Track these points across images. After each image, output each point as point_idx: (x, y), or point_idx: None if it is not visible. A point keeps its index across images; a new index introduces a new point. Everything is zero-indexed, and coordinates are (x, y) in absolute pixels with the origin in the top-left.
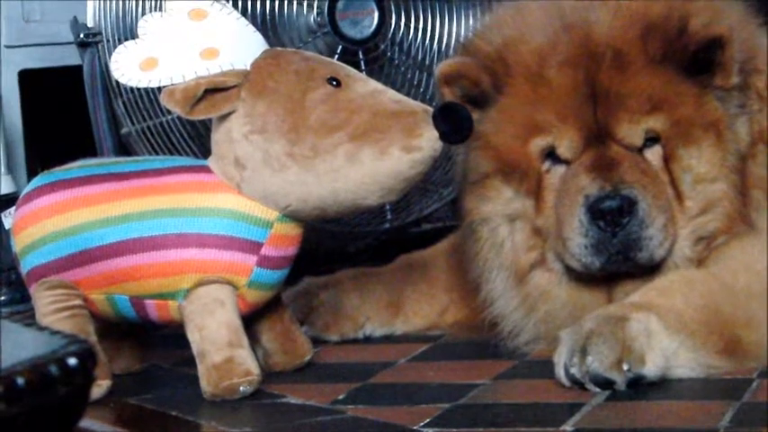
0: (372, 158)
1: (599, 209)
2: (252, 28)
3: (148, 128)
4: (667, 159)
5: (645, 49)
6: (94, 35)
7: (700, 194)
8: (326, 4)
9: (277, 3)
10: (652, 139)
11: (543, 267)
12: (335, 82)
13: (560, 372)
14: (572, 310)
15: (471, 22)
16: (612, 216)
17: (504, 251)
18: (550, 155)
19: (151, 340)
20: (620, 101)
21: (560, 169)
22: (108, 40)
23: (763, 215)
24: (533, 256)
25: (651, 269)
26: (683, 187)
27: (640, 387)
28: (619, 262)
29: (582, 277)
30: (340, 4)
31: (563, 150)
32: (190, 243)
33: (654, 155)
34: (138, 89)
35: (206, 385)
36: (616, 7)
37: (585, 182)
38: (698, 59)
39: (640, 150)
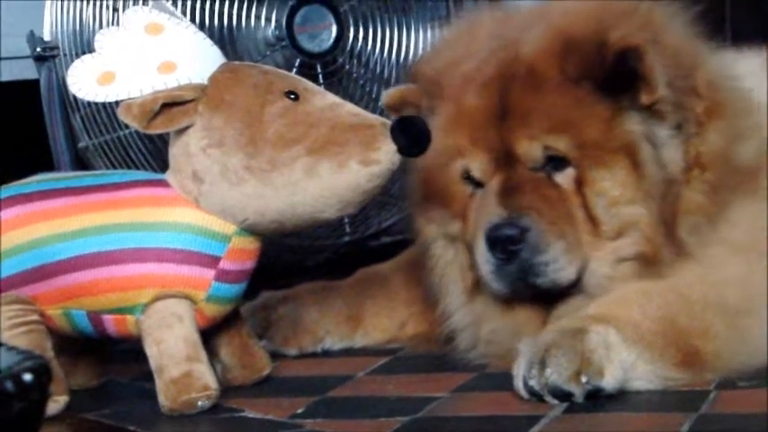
0: (330, 172)
1: (492, 237)
2: (209, 42)
3: (106, 142)
4: (580, 183)
5: (561, 67)
6: (51, 49)
7: (614, 218)
8: (284, 18)
9: (235, 16)
10: (561, 162)
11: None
12: (293, 95)
13: (519, 384)
14: (511, 332)
15: (429, 34)
16: (505, 244)
17: (457, 268)
18: (470, 178)
19: (109, 355)
20: (522, 119)
21: (480, 192)
22: (65, 55)
23: (703, 240)
24: (473, 275)
25: (574, 290)
26: (597, 211)
27: (598, 399)
28: (523, 287)
29: (517, 299)
30: (298, 18)
31: (476, 173)
32: (148, 257)
33: (565, 178)
34: (96, 103)
35: (164, 400)
36: (549, 24)
37: (489, 208)
38: (617, 74)
39: (550, 173)
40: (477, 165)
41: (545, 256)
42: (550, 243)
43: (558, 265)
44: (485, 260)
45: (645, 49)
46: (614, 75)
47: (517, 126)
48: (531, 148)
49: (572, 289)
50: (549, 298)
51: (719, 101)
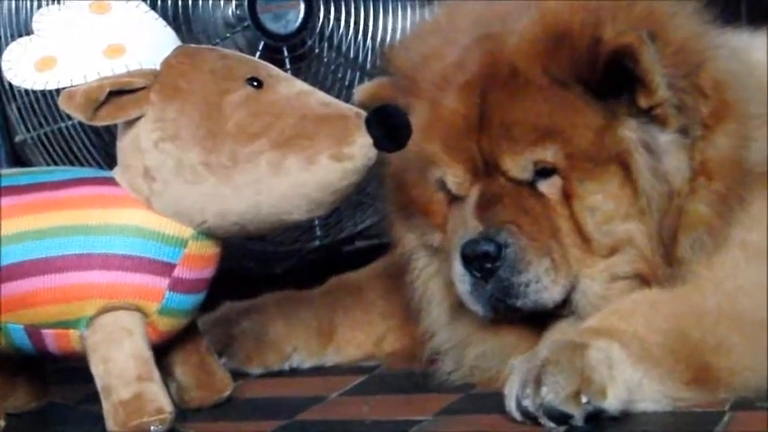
0: (298, 168)
1: (468, 254)
2: (162, 22)
3: (46, 135)
4: (568, 195)
5: (547, 68)
6: None
7: (607, 235)
8: None
9: None
10: (547, 171)
11: None
12: (256, 83)
13: (511, 404)
14: (499, 356)
15: (408, 15)
16: (481, 261)
17: (439, 283)
18: (447, 189)
19: (50, 375)
20: (504, 129)
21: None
22: None
23: (704, 256)
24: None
25: (565, 311)
26: (588, 227)
27: (600, 422)
28: (503, 309)
29: (503, 320)
30: None
31: (451, 186)
32: (93, 264)
33: (550, 187)
34: (34, 92)
35: (112, 424)
36: (537, 15)
37: (465, 221)
38: (611, 75)
39: (534, 182)
40: (453, 178)
41: (525, 276)
42: (531, 261)
43: (540, 286)
44: (461, 279)
45: (641, 50)
46: (607, 76)
47: (499, 138)
48: (516, 163)
49: (561, 310)
50: (538, 319)
51: (728, 100)
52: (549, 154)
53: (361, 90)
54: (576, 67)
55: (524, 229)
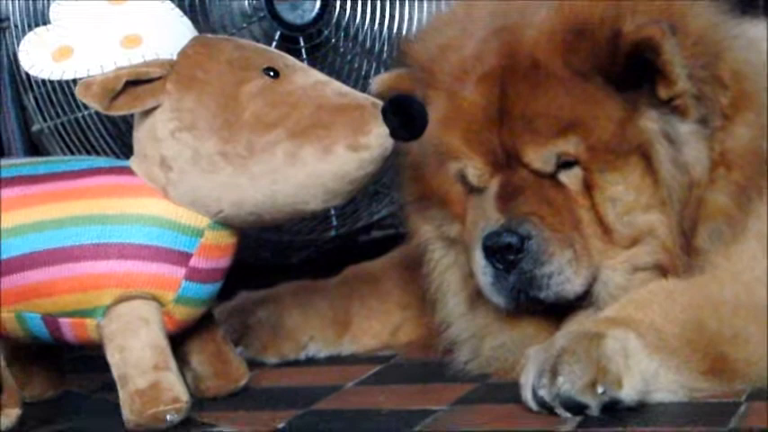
0: (315, 158)
1: (490, 246)
2: (178, 12)
3: (63, 125)
4: (589, 187)
5: (568, 60)
6: (1, 21)
7: (628, 226)
8: None
9: None
10: (569, 162)
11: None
12: (273, 72)
13: (527, 394)
14: (517, 347)
15: (425, 6)
16: (503, 253)
17: (456, 274)
18: (466, 181)
19: (66, 364)
20: (526, 121)
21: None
22: (16, 26)
23: (722, 246)
24: (475, 283)
25: (585, 302)
26: (609, 218)
27: (616, 412)
28: (525, 301)
29: (527, 310)
30: None
31: (471, 178)
32: (109, 254)
33: (570, 177)
34: (51, 81)
35: (129, 413)
36: (556, 6)
37: (486, 213)
38: (631, 67)
39: (553, 174)
40: (473, 170)
41: (548, 267)
42: (554, 252)
43: (562, 277)
44: (482, 271)
45: (662, 42)
46: (628, 68)
47: (521, 130)
48: (539, 155)
49: (582, 301)
50: (557, 310)
51: (747, 90)
52: (571, 146)
53: (379, 81)
54: (596, 59)
55: (546, 221)
